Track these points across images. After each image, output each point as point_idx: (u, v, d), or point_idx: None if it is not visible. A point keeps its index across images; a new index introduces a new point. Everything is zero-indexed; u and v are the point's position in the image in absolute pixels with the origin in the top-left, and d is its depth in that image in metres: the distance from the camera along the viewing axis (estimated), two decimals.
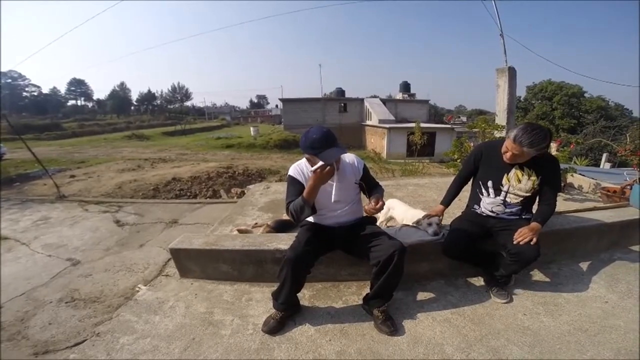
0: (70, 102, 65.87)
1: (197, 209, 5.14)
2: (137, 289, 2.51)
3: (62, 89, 64.95)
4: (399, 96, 30.93)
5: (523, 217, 2.05)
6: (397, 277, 1.72)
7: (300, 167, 1.83)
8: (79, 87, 65.44)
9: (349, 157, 1.90)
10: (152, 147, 18.03)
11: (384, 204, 1.82)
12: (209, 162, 10.90)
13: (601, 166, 9.23)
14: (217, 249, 2.26)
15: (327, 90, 37.51)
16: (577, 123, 25.52)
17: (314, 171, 1.59)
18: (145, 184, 6.98)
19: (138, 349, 1.66)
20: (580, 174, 4.32)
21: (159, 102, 69.52)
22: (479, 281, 2.20)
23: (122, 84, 64.69)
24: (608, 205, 3.15)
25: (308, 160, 1.78)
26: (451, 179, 4.79)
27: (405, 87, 31.89)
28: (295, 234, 1.97)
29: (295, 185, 1.78)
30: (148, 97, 67.44)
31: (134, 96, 67.54)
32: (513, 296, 2.03)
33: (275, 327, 1.73)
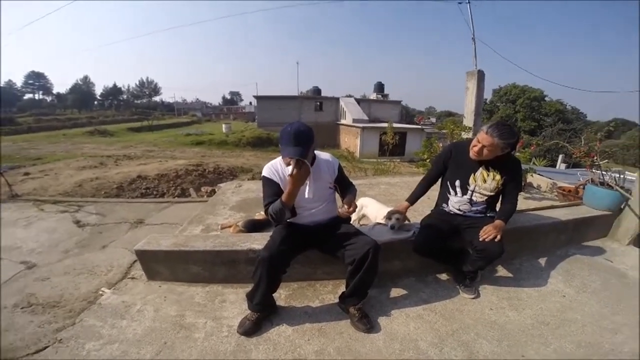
0: (28, 96, 60.89)
1: (164, 209, 4.93)
2: (101, 292, 2.37)
3: (19, 82, 60.11)
4: (373, 96, 31.49)
5: (487, 215, 2.16)
6: (372, 275, 1.74)
7: (275, 167, 1.78)
8: (37, 80, 60.75)
9: (324, 156, 1.88)
10: (116, 143, 17.01)
11: (356, 207, 1.84)
12: (177, 160, 10.49)
13: (557, 167, 9.97)
14: (187, 250, 2.17)
15: (304, 89, 37.37)
16: (537, 125, 27.25)
17: (290, 175, 1.54)
18: (108, 182, 6.57)
19: (106, 354, 1.58)
20: (539, 174, 4.61)
21: (125, 96, 65.83)
22: (447, 277, 2.29)
23: (85, 78, 60.78)
24: (564, 203, 3.39)
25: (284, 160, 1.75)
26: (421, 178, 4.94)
27: (379, 87, 32.50)
28: (269, 233, 1.93)
29: (271, 186, 1.73)
30: (113, 92, 63.71)
31: (99, 90, 63.69)
32: (480, 291, 2.12)
33: (252, 329, 1.69)
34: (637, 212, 2.84)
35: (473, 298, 2.06)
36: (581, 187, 3.51)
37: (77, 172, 7.54)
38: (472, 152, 2.01)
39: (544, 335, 1.74)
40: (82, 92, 58.44)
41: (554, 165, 10.71)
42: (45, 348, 1.65)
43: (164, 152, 14.02)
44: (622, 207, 2.99)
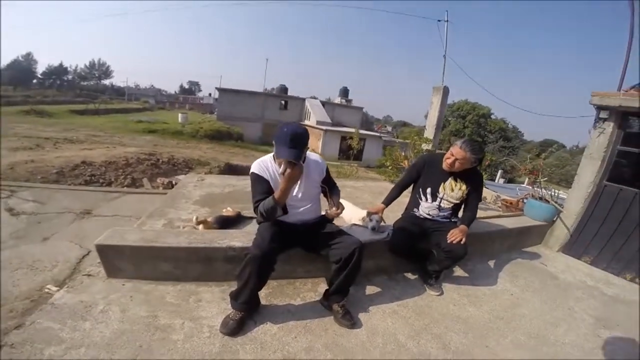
0: None
1: (115, 199, 4.56)
2: (47, 290, 2.14)
3: None
4: (337, 100, 31.94)
5: (452, 220, 2.41)
6: (356, 273, 1.81)
7: (265, 164, 1.77)
8: None
9: (314, 157, 1.93)
10: (55, 125, 15.01)
11: (344, 208, 1.91)
12: (127, 147, 9.66)
13: (496, 181, 11.13)
14: (159, 246, 2.02)
15: (270, 86, 36.56)
16: (482, 141, 29.37)
17: (283, 173, 1.56)
18: (46, 166, 5.83)
19: None
20: (486, 187, 5.14)
21: (70, 77, 58.33)
22: (414, 276, 2.47)
23: (28, 54, 52.38)
24: (508, 214, 3.83)
25: (274, 157, 1.75)
26: (382, 184, 5.22)
27: (345, 92, 33.07)
28: (243, 230, 1.90)
29: (261, 183, 1.72)
30: (58, 71, 55.80)
31: (41, 69, 55.52)
32: (443, 289, 2.32)
33: (236, 328, 1.65)
34: (566, 224, 3.33)
35: (438, 295, 2.26)
36: (522, 200, 4.00)
37: (10, 153, 6.55)
38: (445, 164, 2.22)
39: (501, 328, 1.98)
40: (21, 69, 50.71)
41: (493, 180, 11.94)
42: None
43: (112, 138, 12.74)
44: (554, 219, 3.47)
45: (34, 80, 54.10)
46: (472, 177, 2.31)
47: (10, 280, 2.22)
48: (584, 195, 3.20)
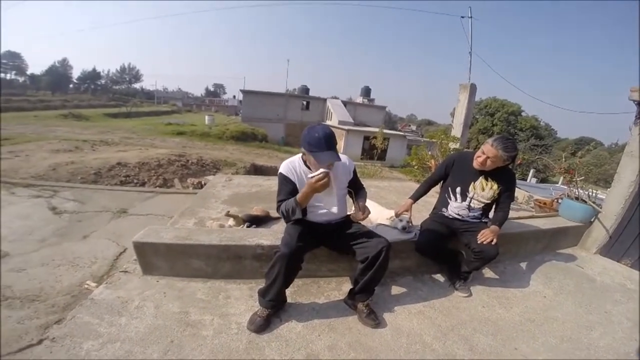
0: None
1: (148, 199, 4.82)
2: (86, 286, 2.29)
3: None
4: (359, 100, 31.72)
5: (482, 220, 2.33)
6: (382, 273, 1.81)
7: (293, 165, 1.79)
8: (12, 60, 55.85)
9: (342, 158, 1.91)
10: (92, 128, 16.04)
11: (369, 212, 1.92)
12: (158, 149, 10.12)
13: (528, 180, 10.62)
14: (192, 243, 2.10)
15: (291, 86, 37.03)
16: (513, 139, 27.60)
17: (311, 178, 1.58)
18: (85, 167, 6.25)
19: (108, 354, 1.46)
20: (517, 187, 4.93)
21: (103, 82, 62.17)
22: (441, 277, 2.42)
23: (64, 60, 56.59)
24: (542, 214, 3.65)
25: (303, 159, 1.78)
26: (408, 184, 5.12)
27: (366, 91, 32.85)
28: (272, 229, 1.93)
29: (287, 184, 1.75)
30: (92, 76, 59.78)
31: (76, 74, 59.58)
32: (471, 291, 2.26)
33: (263, 325, 1.68)
34: (605, 225, 3.13)
35: (466, 297, 2.20)
36: (557, 200, 3.79)
37: (52, 155, 7.08)
38: (477, 163, 2.15)
39: (532, 330, 1.91)
40: (58, 74, 54.68)
41: (524, 179, 11.40)
42: (28, 346, 1.51)
43: (144, 140, 13.38)
44: (592, 220, 3.27)
45: (70, 85, 58.00)
46: (504, 176, 2.22)
47: (53, 276, 2.38)
48: (624, 195, 2.99)
